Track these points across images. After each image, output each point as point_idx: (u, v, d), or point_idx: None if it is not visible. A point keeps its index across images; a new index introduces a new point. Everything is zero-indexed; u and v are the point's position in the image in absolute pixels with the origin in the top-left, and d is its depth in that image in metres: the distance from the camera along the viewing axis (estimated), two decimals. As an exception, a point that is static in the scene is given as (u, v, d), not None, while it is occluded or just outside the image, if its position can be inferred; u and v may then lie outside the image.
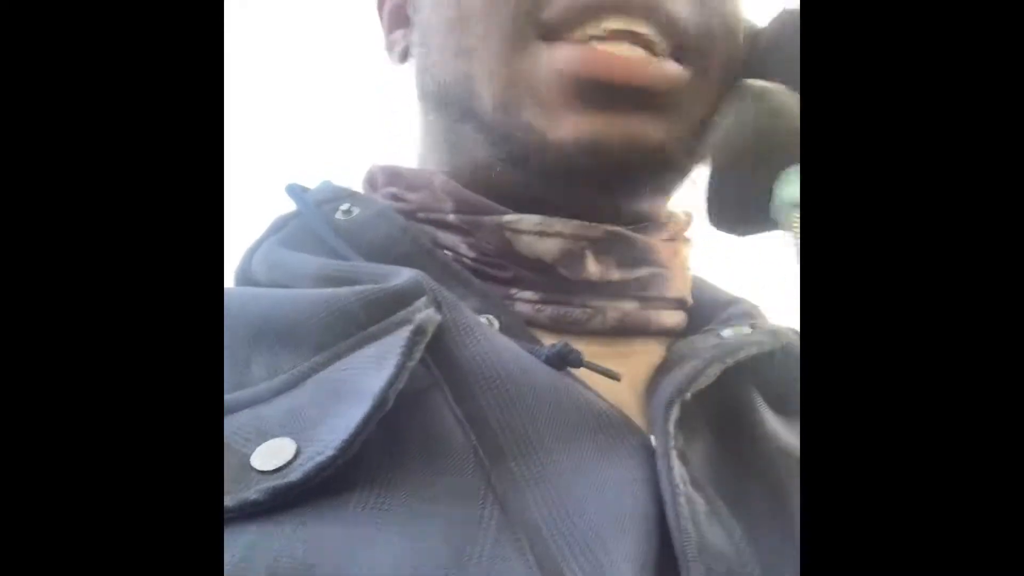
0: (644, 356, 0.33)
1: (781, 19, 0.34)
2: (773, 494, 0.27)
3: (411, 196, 0.36)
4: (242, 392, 0.26)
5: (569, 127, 0.31)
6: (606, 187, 0.33)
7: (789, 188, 0.27)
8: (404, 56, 0.39)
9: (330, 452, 0.22)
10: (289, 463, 0.22)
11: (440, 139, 0.36)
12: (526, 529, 0.22)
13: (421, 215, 0.35)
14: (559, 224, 0.32)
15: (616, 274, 0.33)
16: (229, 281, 0.36)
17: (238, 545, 0.20)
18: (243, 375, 0.27)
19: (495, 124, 0.32)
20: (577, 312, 0.33)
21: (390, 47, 0.41)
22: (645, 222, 0.35)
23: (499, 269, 0.33)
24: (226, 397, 0.25)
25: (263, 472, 0.22)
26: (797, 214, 0.27)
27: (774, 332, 0.32)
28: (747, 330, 0.33)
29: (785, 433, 0.30)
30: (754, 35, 0.35)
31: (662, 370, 0.32)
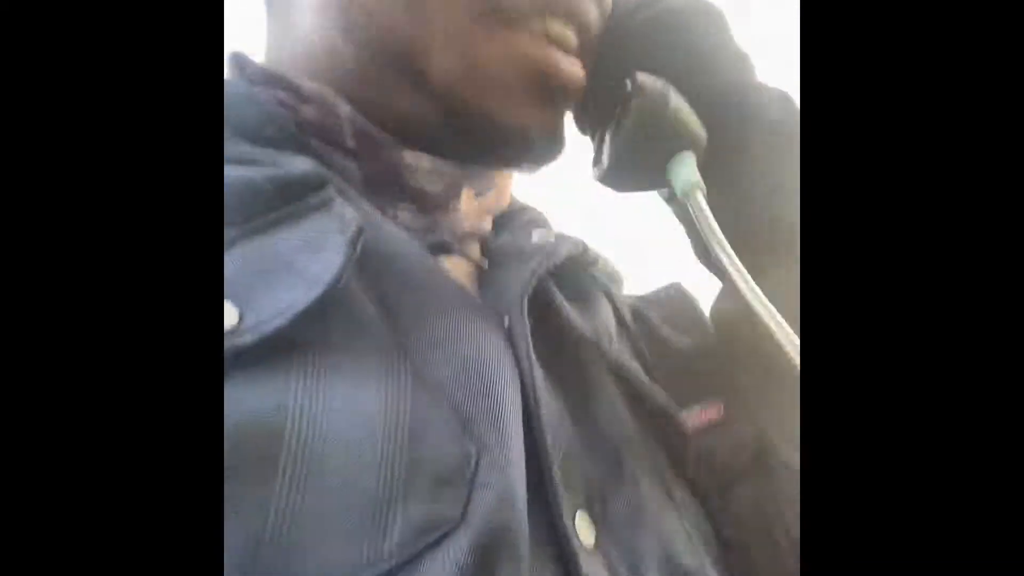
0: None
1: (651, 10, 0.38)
2: (579, 374, 0.34)
3: (305, 109, 0.35)
4: None
5: (525, 117, 0.35)
6: (514, 161, 0.38)
7: (686, 169, 0.33)
8: None
9: (283, 322, 0.24)
10: (236, 327, 0.23)
11: (346, 65, 0.35)
12: (437, 386, 0.26)
13: (312, 130, 0.35)
14: (447, 167, 0.36)
15: (475, 203, 0.38)
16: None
17: None
18: None
19: (444, 95, 0.34)
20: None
21: None
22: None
23: (384, 191, 0.35)
24: None
25: None
26: (698, 191, 0.32)
27: (570, 239, 0.38)
28: (551, 235, 0.38)
29: (581, 321, 0.35)
30: (621, 22, 0.38)
31: (492, 266, 0.37)
